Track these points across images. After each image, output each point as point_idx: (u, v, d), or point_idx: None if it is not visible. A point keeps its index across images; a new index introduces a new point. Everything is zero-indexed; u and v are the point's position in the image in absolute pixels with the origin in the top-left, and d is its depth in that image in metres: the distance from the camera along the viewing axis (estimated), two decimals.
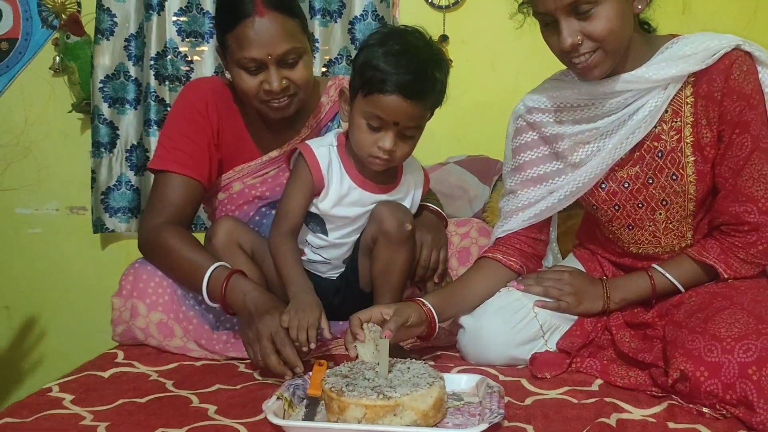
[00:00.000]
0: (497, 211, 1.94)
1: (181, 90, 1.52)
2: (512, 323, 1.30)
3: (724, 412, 1.03)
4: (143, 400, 1.09)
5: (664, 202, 1.31)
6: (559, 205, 1.37)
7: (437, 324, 1.27)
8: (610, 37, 1.17)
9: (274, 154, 1.48)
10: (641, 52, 1.25)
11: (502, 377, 1.20)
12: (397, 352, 1.28)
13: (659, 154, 1.28)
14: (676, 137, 1.26)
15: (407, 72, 1.19)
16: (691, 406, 1.06)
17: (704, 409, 1.04)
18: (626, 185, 1.31)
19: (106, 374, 1.22)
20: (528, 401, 1.09)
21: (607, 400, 1.08)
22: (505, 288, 1.36)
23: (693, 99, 1.24)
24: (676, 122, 1.26)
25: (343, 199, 1.34)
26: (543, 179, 1.38)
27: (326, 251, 1.40)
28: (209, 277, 1.27)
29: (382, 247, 1.33)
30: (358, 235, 1.39)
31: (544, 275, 1.37)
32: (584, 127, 1.30)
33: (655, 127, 1.26)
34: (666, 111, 1.25)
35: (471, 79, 2.18)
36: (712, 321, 1.11)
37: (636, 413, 1.04)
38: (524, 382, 1.17)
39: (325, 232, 1.38)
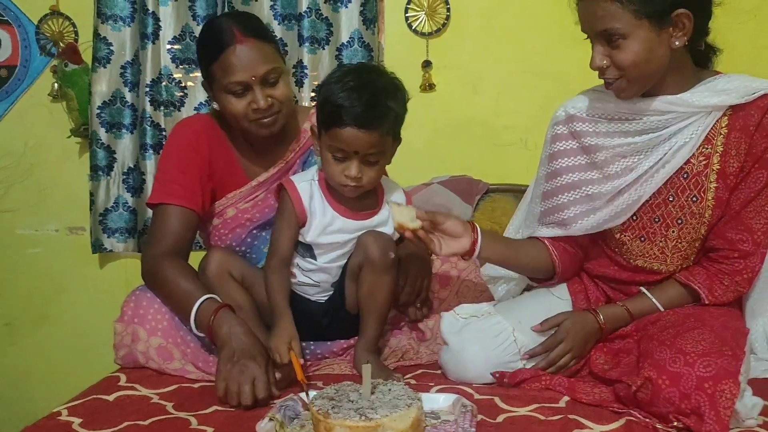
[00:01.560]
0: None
1: (172, 129, 1.64)
2: (492, 346, 1.39)
3: (676, 424, 1.13)
4: (146, 423, 1.18)
5: (679, 221, 1.38)
6: (604, 224, 1.41)
7: (479, 244, 1.37)
8: (634, 68, 1.26)
9: (261, 178, 1.59)
10: (686, 79, 1.33)
11: (477, 396, 1.30)
12: (382, 372, 1.38)
13: (684, 175, 1.36)
14: (704, 162, 1.34)
15: (360, 104, 1.30)
16: (647, 420, 1.16)
17: (658, 425, 1.14)
18: (648, 199, 1.39)
19: (111, 397, 1.30)
20: (500, 419, 1.19)
21: (571, 417, 1.18)
22: (486, 311, 1.46)
23: (727, 130, 1.33)
24: (706, 149, 1.34)
25: (327, 228, 1.44)
26: (578, 185, 1.43)
27: (315, 275, 1.49)
28: (198, 308, 1.37)
29: (367, 273, 1.42)
30: (346, 259, 1.48)
31: (549, 345, 1.40)
32: (622, 140, 1.36)
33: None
34: (702, 138, 1.33)
35: (454, 102, 2.27)
36: (681, 337, 1.21)
37: (596, 429, 1.14)
38: (497, 400, 1.27)
39: (314, 257, 1.47)
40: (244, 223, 1.58)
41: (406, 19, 2.25)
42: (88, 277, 2.39)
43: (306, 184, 1.45)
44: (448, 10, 2.23)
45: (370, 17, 2.20)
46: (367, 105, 1.30)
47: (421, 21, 2.24)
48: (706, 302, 1.36)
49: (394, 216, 1.33)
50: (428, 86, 2.26)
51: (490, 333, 1.41)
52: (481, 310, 1.48)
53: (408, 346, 1.56)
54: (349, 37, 2.21)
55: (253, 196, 1.58)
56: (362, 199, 1.44)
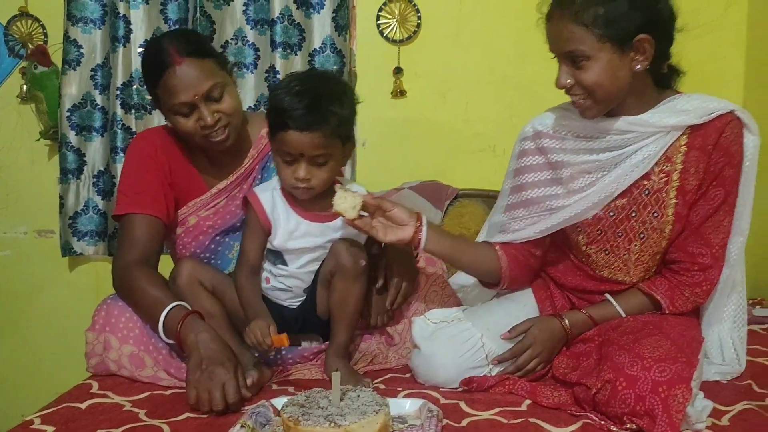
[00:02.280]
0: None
1: (130, 142, 1.66)
2: (461, 352, 1.44)
3: (629, 425, 1.18)
4: (119, 431, 1.19)
5: (641, 236, 1.44)
6: (554, 228, 1.48)
7: (423, 235, 1.40)
8: (597, 89, 1.32)
9: (221, 185, 1.61)
10: (647, 100, 1.39)
11: (443, 400, 1.34)
12: (352, 377, 1.42)
13: (646, 192, 1.41)
14: (664, 179, 1.40)
15: (300, 107, 1.34)
16: (603, 423, 1.22)
17: (612, 428, 1.20)
18: (612, 214, 1.44)
19: (84, 405, 1.31)
20: (464, 422, 1.23)
21: (532, 420, 1.23)
22: (456, 317, 1.51)
23: (686, 149, 1.38)
24: (666, 166, 1.39)
25: (293, 234, 1.47)
26: (541, 201, 1.48)
27: (288, 280, 1.52)
28: (166, 315, 1.39)
29: (338, 280, 1.46)
30: (317, 265, 1.51)
31: (516, 351, 1.45)
32: (587, 157, 1.42)
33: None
34: (661, 155, 1.38)
35: (424, 108, 2.32)
36: (639, 343, 1.27)
37: (554, 431, 1.20)
38: (462, 405, 1.31)
39: (285, 263, 1.50)
40: (207, 231, 1.60)
41: (378, 26, 2.28)
42: (58, 280, 2.38)
43: (268, 194, 1.48)
44: (419, 18, 2.27)
45: (342, 24, 2.23)
46: (308, 108, 1.34)
47: (393, 28, 2.28)
48: (667, 312, 1.43)
49: (334, 202, 1.36)
50: (399, 92, 2.30)
51: (460, 339, 1.46)
52: (450, 315, 1.53)
53: (377, 350, 1.60)
54: (321, 43, 2.23)
55: (213, 203, 1.61)
56: (323, 202, 1.45)
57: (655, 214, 1.41)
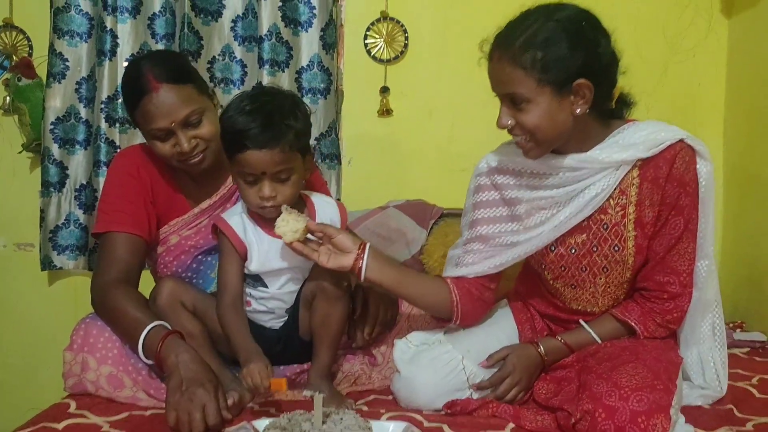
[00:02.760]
0: (433, 253, 2.11)
1: (112, 160, 1.65)
2: (442, 374, 1.43)
3: None
4: None
5: (605, 269, 1.44)
6: (510, 263, 1.48)
7: (364, 263, 1.38)
8: (537, 131, 1.31)
9: (204, 205, 1.60)
10: (595, 134, 1.37)
11: (426, 423, 1.33)
12: (335, 398, 1.41)
13: (604, 227, 1.41)
14: (620, 213, 1.40)
15: (255, 126, 1.33)
16: None
17: None
18: (573, 250, 1.44)
19: (61, 426, 1.28)
20: None
21: None
22: (437, 339, 1.50)
23: (639, 181, 1.38)
24: (622, 200, 1.39)
25: (268, 254, 1.45)
26: (497, 236, 1.47)
27: (270, 302, 1.51)
28: (146, 335, 1.37)
29: (320, 302, 1.45)
30: (298, 284, 1.50)
31: (495, 380, 1.44)
32: (541, 193, 1.41)
33: (603, 201, 1.39)
34: (615, 189, 1.37)
35: (410, 127, 2.33)
36: (617, 371, 1.27)
37: None
38: (446, 428, 1.31)
39: (265, 285, 1.49)
40: (188, 250, 1.59)
41: (365, 45, 2.30)
42: (36, 294, 2.34)
43: (237, 218, 1.46)
44: (406, 38, 2.29)
45: (330, 42, 2.24)
46: (263, 126, 1.33)
47: (380, 48, 2.29)
48: (641, 337, 1.44)
49: (276, 224, 1.35)
50: (386, 111, 2.31)
51: (441, 362, 1.45)
52: (431, 338, 1.53)
53: (360, 371, 1.59)
54: (309, 61, 2.24)
55: (195, 223, 1.60)
56: None
57: (615, 248, 1.42)
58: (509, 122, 1.33)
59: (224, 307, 1.43)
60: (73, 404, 1.39)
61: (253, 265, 1.45)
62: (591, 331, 1.46)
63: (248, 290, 1.50)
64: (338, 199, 2.11)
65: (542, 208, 1.43)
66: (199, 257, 1.60)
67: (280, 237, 1.37)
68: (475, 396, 1.45)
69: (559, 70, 1.27)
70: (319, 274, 1.44)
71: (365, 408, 1.42)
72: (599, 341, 1.45)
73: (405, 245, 2.15)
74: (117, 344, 1.45)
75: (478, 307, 1.53)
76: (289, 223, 1.34)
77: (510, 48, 1.29)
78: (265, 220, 1.45)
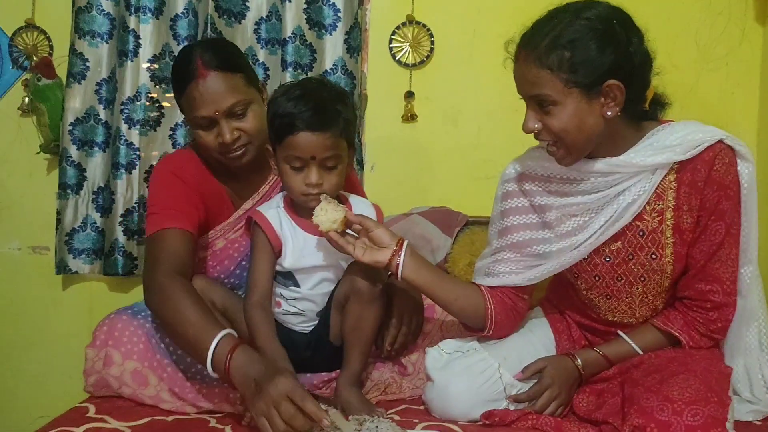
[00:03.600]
0: (459, 261, 2.05)
1: (154, 168, 1.58)
2: (478, 383, 1.37)
3: None
4: None
5: (642, 278, 1.38)
6: (547, 275, 1.41)
7: (401, 260, 1.33)
8: (565, 135, 1.26)
9: (247, 205, 1.56)
10: (628, 137, 1.32)
11: None
12: (365, 407, 1.35)
13: (641, 233, 1.35)
14: (657, 219, 1.34)
15: (307, 109, 1.31)
16: None
17: None
18: (608, 259, 1.38)
19: (80, 430, 1.23)
20: None
21: None
22: (471, 347, 1.44)
23: (676, 185, 1.32)
24: (659, 205, 1.33)
25: (303, 251, 1.41)
26: (528, 244, 1.41)
27: (301, 303, 1.45)
28: (213, 351, 1.23)
29: (354, 304, 1.39)
30: (331, 286, 1.44)
31: (534, 393, 1.38)
32: (572, 200, 1.35)
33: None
34: (651, 194, 1.32)
35: (434, 133, 2.28)
36: (666, 383, 1.20)
37: None
38: None
39: (297, 285, 1.44)
40: (233, 254, 1.55)
41: (390, 49, 2.26)
42: (49, 299, 2.28)
43: (273, 212, 1.42)
44: (432, 42, 2.25)
45: (355, 46, 2.20)
46: (316, 108, 1.32)
47: (405, 52, 2.25)
48: (687, 347, 1.37)
49: (314, 212, 1.32)
50: (410, 117, 2.26)
51: (476, 370, 1.39)
52: (465, 345, 1.47)
53: (391, 379, 1.53)
54: (333, 65, 2.20)
55: (240, 224, 1.55)
56: None
57: (653, 256, 1.35)
58: (535, 126, 1.28)
59: (252, 304, 1.37)
60: (92, 408, 1.34)
61: (287, 261, 1.40)
62: (631, 342, 1.40)
63: (279, 290, 1.45)
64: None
65: (573, 215, 1.37)
66: (243, 263, 1.56)
67: (317, 231, 1.33)
68: (512, 408, 1.38)
69: (588, 71, 1.22)
70: (354, 275, 1.38)
71: (397, 417, 1.36)
72: (640, 353, 1.39)
73: (430, 252, 2.10)
74: (143, 339, 1.40)
75: (512, 317, 1.46)
76: (328, 213, 1.30)
77: (536, 48, 1.24)
78: (302, 215, 1.41)
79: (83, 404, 1.36)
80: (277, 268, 1.42)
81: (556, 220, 1.38)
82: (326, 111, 1.33)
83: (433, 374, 1.40)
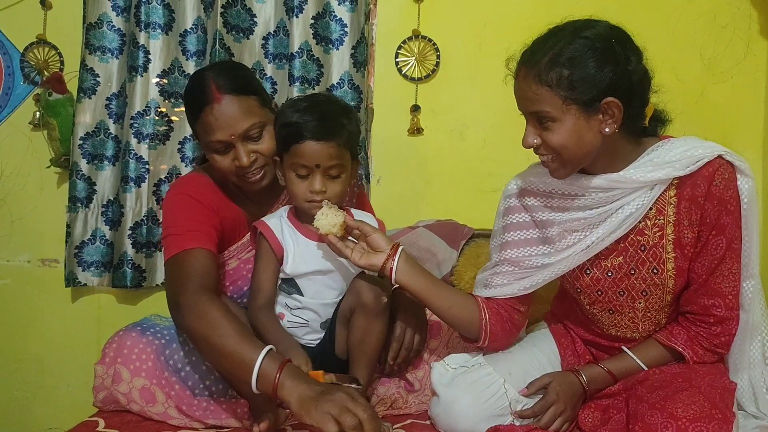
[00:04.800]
0: (464, 274, 2.06)
1: (168, 191, 1.56)
2: (483, 398, 1.37)
3: None
4: None
5: (644, 293, 1.38)
6: (541, 284, 1.43)
7: (395, 264, 1.35)
8: (563, 150, 1.27)
9: None
10: (627, 153, 1.33)
11: None
12: None
13: (642, 248, 1.36)
14: (658, 234, 1.35)
15: (313, 119, 1.37)
16: None
17: None
18: (609, 274, 1.39)
19: None
20: None
21: None
22: (476, 362, 1.44)
23: (677, 200, 1.33)
24: (659, 220, 1.34)
25: (304, 255, 1.44)
26: (527, 259, 1.43)
27: (304, 313, 1.47)
28: (260, 366, 1.19)
29: (359, 318, 1.41)
30: (333, 294, 1.46)
31: (539, 409, 1.37)
32: (573, 215, 1.37)
33: (640, 222, 1.34)
34: (651, 209, 1.33)
35: (440, 146, 2.29)
36: (671, 400, 1.20)
37: None
38: None
39: (300, 292, 1.46)
40: (246, 275, 1.55)
41: (397, 63, 2.28)
42: (58, 311, 2.30)
43: (276, 220, 1.47)
44: (438, 57, 2.27)
45: (361, 60, 2.22)
46: (321, 119, 1.37)
47: (411, 66, 2.27)
48: (691, 362, 1.37)
49: (315, 216, 1.36)
50: (416, 130, 2.28)
51: (481, 385, 1.40)
52: (471, 360, 1.47)
53: (397, 394, 1.54)
54: (339, 79, 2.22)
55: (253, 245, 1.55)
56: None
57: (654, 270, 1.36)
58: (535, 141, 1.30)
59: (257, 308, 1.42)
60: (102, 422, 1.35)
61: (289, 267, 1.43)
62: (635, 357, 1.40)
63: (283, 299, 1.47)
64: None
65: (575, 231, 1.38)
66: None
67: (318, 237, 1.39)
68: (517, 424, 1.38)
69: (586, 89, 1.23)
70: (359, 288, 1.40)
71: None
72: (645, 368, 1.39)
73: (436, 265, 2.10)
74: (152, 356, 1.41)
75: (507, 329, 1.47)
76: (328, 217, 1.35)
77: (536, 65, 1.25)
78: (303, 222, 1.45)
79: (93, 418, 1.38)
80: (280, 275, 1.45)
81: (557, 236, 1.40)
82: (331, 122, 1.38)
83: (439, 389, 1.41)
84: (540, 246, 1.42)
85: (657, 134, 1.39)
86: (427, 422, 1.43)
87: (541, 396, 1.39)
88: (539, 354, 1.51)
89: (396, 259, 1.36)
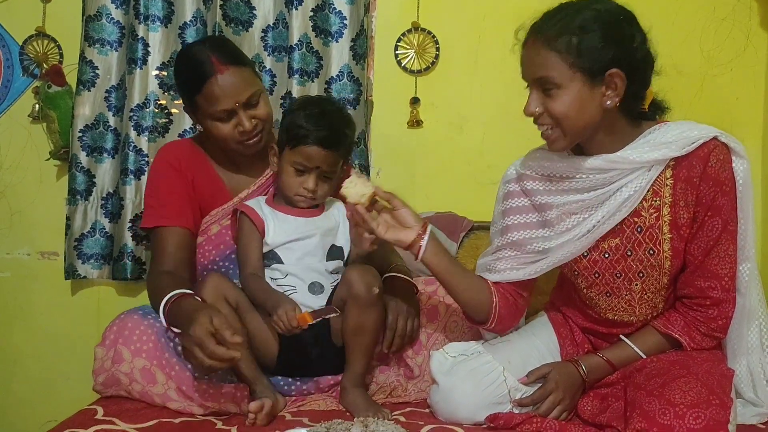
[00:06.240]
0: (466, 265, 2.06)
1: (155, 155, 1.69)
2: (482, 386, 1.38)
3: None
4: None
5: (640, 274, 1.39)
6: (546, 270, 1.44)
7: (425, 243, 1.40)
8: (565, 119, 1.29)
9: (243, 194, 1.65)
10: (625, 134, 1.35)
11: None
12: (371, 408, 1.36)
13: (638, 229, 1.37)
14: (655, 215, 1.36)
15: (324, 128, 1.50)
16: None
17: None
18: (606, 255, 1.40)
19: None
20: None
21: None
22: (476, 350, 1.45)
23: (672, 181, 1.34)
24: (655, 201, 1.35)
25: (283, 226, 1.53)
26: (529, 242, 1.44)
27: (288, 279, 1.52)
28: (167, 299, 1.37)
29: (352, 308, 1.42)
30: (314, 261, 1.53)
31: (538, 397, 1.38)
32: (571, 198, 1.38)
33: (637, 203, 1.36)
34: (647, 190, 1.35)
35: (440, 139, 2.29)
36: (668, 387, 1.20)
37: None
38: None
39: (281, 261, 1.52)
40: (228, 240, 1.61)
41: (396, 56, 2.28)
42: (58, 304, 2.30)
43: (255, 201, 1.59)
44: (437, 49, 2.27)
45: (361, 53, 2.22)
46: (331, 129, 1.51)
47: (411, 59, 2.27)
48: (688, 349, 1.37)
49: (344, 185, 1.41)
50: (416, 123, 2.28)
51: (481, 373, 1.40)
52: (470, 349, 1.48)
53: (396, 382, 1.54)
54: (339, 71, 2.22)
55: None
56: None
57: (651, 252, 1.37)
58: (537, 109, 1.31)
59: (246, 276, 1.50)
60: (100, 410, 1.35)
61: (270, 237, 1.52)
62: (633, 345, 1.40)
63: (267, 274, 1.53)
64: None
65: (573, 213, 1.39)
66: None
67: (294, 212, 1.51)
68: (516, 412, 1.38)
69: (593, 57, 1.26)
70: (351, 280, 1.42)
71: (402, 419, 1.37)
72: (643, 356, 1.39)
73: None
74: (152, 338, 1.42)
75: (512, 313, 1.50)
76: (357, 186, 1.39)
77: (545, 32, 1.29)
78: (280, 204, 1.56)
79: (91, 406, 1.37)
80: (264, 249, 1.53)
81: (556, 219, 1.41)
82: (338, 133, 1.52)
83: (438, 377, 1.41)
84: (540, 230, 1.44)
85: (654, 119, 1.40)
86: (426, 410, 1.43)
87: (540, 385, 1.39)
88: (538, 342, 1.51)
89: (426, 238, 1.39)
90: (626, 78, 1.27)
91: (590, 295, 1.45)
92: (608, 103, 1.29)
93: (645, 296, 1.41)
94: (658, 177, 1.34)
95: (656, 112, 1.41)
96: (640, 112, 1.37)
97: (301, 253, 1.53)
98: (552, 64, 1.27)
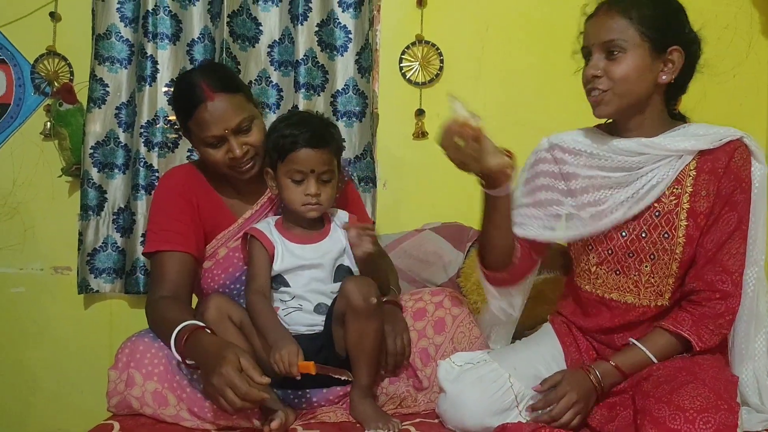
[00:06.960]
0: (471, 276, 2.08)
1: (159, 180, 1.71)
2: (490, 392, 1.40)
3: None
4: None
5: (652, 257, 1.43)
6: (566, 239, 1.52)
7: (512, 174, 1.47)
8: (624, 82, 1.37)
9: (247, 215, 1.65)
10: (660, 123, 1.44)
11: None
12: (380, 418, 1.38)
13: (656, 214, 1.43)
14: (674, 201, 1.41)
15: (308, 130, 1.50)
16: None
17: None
18: (624, 234, 1.45)
19: None
20: None
21: None
22: (482, 359, 1.47)
23: (695, 172, 1.40)
24: (676, 189, 1.41)
25: (293, 253, 1.53)
26: (552, 204, 1.51)
27: (295, 301, 1.53)
28: (178, 331, 1.36)
29: (351, 320, 1.44)
30: (322, 286, 1.53)
31: (551, 399, 1.37)
32: (597, 173, 1.45)
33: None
34: (673, 179, 1.41)
35: None
36: (677, 393, 1.22)
37: None
38: None
39: (288, 284, 1.53)
40: (237, 262, 1.61)
41: (401, 68, 2.31)
42: (71, 318, 2.34)
43: (264, 224, 1.58)
44: (442, 61, 2.30)
45: (366, 66, 2.25)
46: (314, 130, 1.51)
47: (415, 71, 2.30)
48: (697, 349, 1.39)
49: (455, 111, 1.44)
50: (421, 134, 2.30)
51: (487, 380, 1.42)
52: (476, 357, 1.50)
53: (406, 393, 1.55)
54: (344, 85, 2.25)
55: (241, 233, 1.62)
56: (312, 230, 1.57)
57: (665, 236, 1.41)
58: (597, 72, 1.39)
59: (252, 292, 1.49)
60: (116, 425, 1.37)
61: (278, 264, 1.52)
62: (643, 348, 1.41)
63: (276, 296, 1.53)
64: (373, 222, 2.13)
65: (597, 188, 1.45)
66: (246, 268, 1.61)
67: (303, 240, 1.53)
68: (527, 418, 1.40)
69: (662, 31, 1.36)
70: (348, 291, 1.44)
71: (413, 429, 1.39)
72: (654, 359, 1.40)
73: (442, 268, 2.13)
74: (163, 360, 1.44)
75: (525, 267, 1.57)
76: (465, 112, 1.45)
77: (622, 2, 1.38)
78: (289, 230, 1.55)
79: (108, 422, 1.39)
80: (272, 273, 1.52)
81: (580, 189, 1.47)
82: (322, 132, 1.53)
83: (446, 385, 1.43)
84: (564, 197, 1.50)
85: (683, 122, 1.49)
86: (436, 421, 1.45)
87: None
88: (543, 350, 1.54)
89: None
90: (684, 58, 1.38)
91: (599, 272, 1.49)
92: (664, 77, 1.38)
93: (652, 279, 1.44)
94: (683, 167, 1.40)
95: (682, 119, 1.50)
96: (672, 110, 1.46)
97: (309, 279, 1.53)
98: (623, 28, 1.36)
